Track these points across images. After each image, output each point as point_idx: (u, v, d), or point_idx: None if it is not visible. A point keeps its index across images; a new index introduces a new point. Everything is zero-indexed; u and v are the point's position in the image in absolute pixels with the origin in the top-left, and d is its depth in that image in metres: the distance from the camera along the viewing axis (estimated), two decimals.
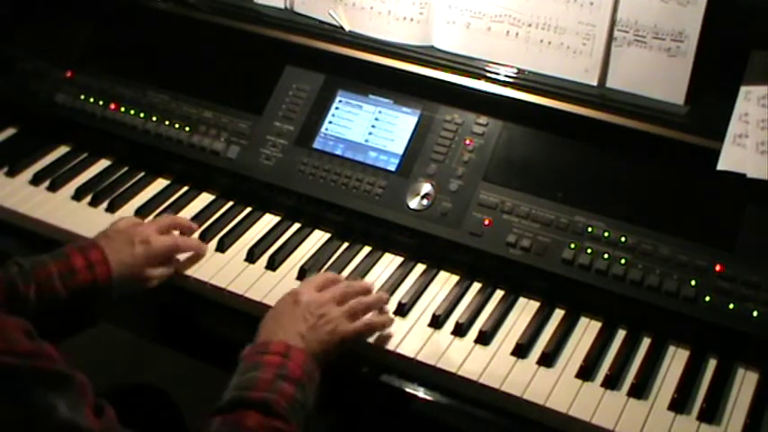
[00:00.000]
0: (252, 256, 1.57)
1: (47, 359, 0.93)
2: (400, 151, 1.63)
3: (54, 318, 1.36)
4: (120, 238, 1.46)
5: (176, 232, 1.58)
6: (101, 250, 1.42)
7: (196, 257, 1.56)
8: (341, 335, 1.34)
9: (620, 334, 1.44)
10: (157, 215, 1.66)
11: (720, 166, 1.44)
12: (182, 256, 1.55)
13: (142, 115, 1.79)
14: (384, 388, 1.40)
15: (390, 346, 1.40)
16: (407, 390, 1.37)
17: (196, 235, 1.61)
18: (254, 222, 1.66)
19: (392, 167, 1.62)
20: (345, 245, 1.61)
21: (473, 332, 1.43)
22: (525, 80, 1.59)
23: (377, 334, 1.41)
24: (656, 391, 1.34)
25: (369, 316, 1.41)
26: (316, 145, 1.67)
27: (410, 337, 1.42)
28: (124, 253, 1.44)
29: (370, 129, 1.66)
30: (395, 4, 1.69)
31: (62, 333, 1.38)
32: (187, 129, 1.75)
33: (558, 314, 1.48)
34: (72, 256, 1.40)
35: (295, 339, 1.30)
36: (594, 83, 1.57)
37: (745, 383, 1.36)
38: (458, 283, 1.53)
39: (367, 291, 1.45)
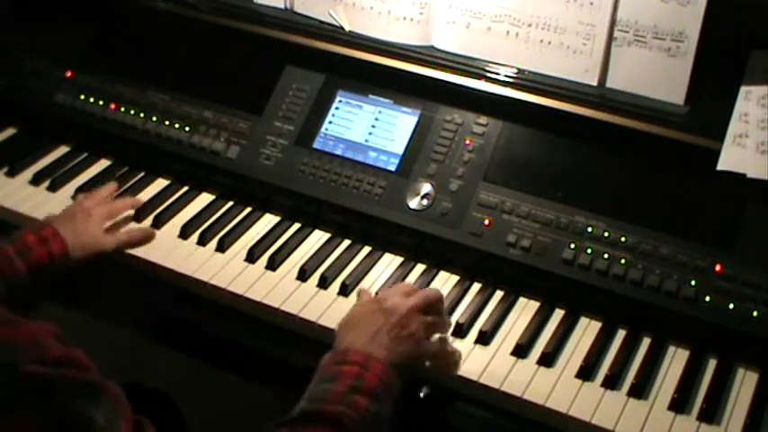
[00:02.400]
0: (252, 256, 1.57)
1: (78, 368, 0.92)
2: (400, 151, 1.63)
3: (21, 293, 1.41)
4: (63, 215, 1.56)
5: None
6: (51, 227, 1.49)
7: (195, 257, 1.57)
8: (423, 350, 1.32)
9: (620, 334, 1.44)
10: (158, 215, 1.66)
11: (720, 166, 1.44)
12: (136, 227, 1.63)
13: (142, 115, 1.79)
14: None
15: None
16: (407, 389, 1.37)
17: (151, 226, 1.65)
18: (254, 222, 1.66)
19: (392, 167, 1.62)
20: (345, 245, 1.61)
21: (473, 332, 1.43)
22: (525, 80, 1.59)
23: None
24: (656, 391, 1.34)
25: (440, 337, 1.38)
26: (316, 145, 1.67)
27: None
28: (71, 224, 1.52)
29: (370, 129, 1.66)
30: (395, 4, 1.69)
31: (30, 305, 1.43)
32: (187, 129, 1.75)
33: (558, 314, 1.48)
34: (24, 235, 1.46)
35: (377, 349, 1.26)
36: (594, 83, 1.57)
37: (745, 383, 1.36)
38: (458, 283, 1.53)
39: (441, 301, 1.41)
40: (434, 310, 1.37)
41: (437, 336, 1.37)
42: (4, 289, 1.38)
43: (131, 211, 1.66)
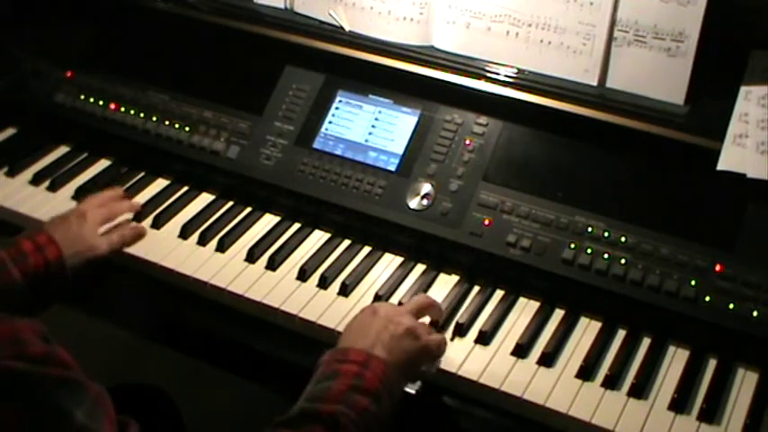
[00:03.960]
0: (252, 256, 1.57)
1: (60, 366, 0.92)
2: (400, 151, 1.63)
3: (16, 302, 1.39)
4: (58, 219, 1.54)
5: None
6: (45, 233, 1.47)
7: (195, 257, 1.57)
8: (424, 344, 1.31)
9: (620, 334, 1.44)
10: (158, 215, 1.66)
11: (720, 166, 1.44)
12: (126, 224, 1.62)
13: (142, 115, 1.79)
14: None
15: None
16: (407, 389, 1.37)
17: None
18: (254, 222, 1.66)
19: (392, 167, 1.62)
20: (345, 245, 1.61)
21: (473, 332, 1.43)
22: (525, 80, 1.59)
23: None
24: (656, 391, 1.34)
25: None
26: (316, 145, 1.67)
27: None
28: (64, 228, 1.50)
29: (370, 129, 1.66)
30: (395, 4, 1.69)
31: (27, 315, 1.39)
32: (187, 129, 1.75)
33: (558, 314, 1.48)
34: (20, 242, 1.45)
35: (378, 349, 1.26)
36: (594, 83, 1.57)
37: (745, 383, 1.36)
38: (458, 284, 1.53)
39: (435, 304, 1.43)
40: (426, 310, 1.40)
41: (435, 335, 1.37)
42: None
43: (129, 215, 1.65)
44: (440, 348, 1.36)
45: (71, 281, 1.48)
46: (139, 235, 1.60)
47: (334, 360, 1.24)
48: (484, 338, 1.42)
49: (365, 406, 1.17)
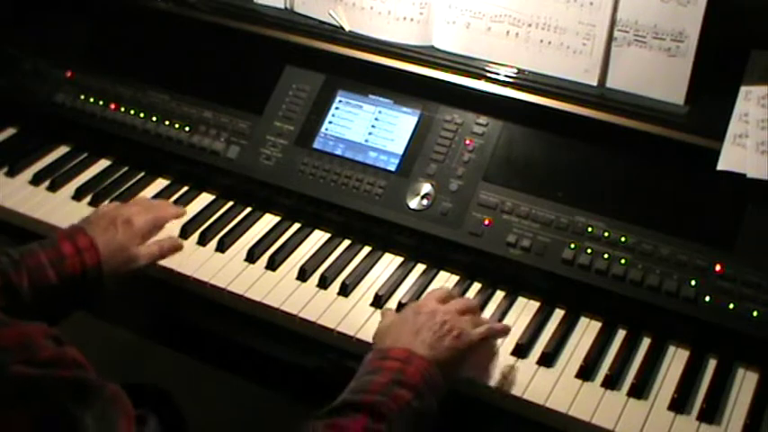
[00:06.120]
0: (252, 256, 1.57)
1: (71, 366, 0.92)
2: (400, 151, 1.63)
3: (49, 303, 1.38)
4: (104, 222, 1.50)
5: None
6: (88, 236, 1.45)
7: (195, 257, 1.57)
8: (467, 341, 1.31)
9: (620, 334, 1.44)
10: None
11: (720, 166, 1.44)
12: (166, 237, 1.59)
13: (142, 115, 1.79)
14: None
15: None
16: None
17: (176, 231, 1.62)
18: (254, 222, 1.66)
19: (392, 167, 1.62)
20: (345, 245, 1.61)
21: None
22: (525, 80, 1.59)
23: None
24: (656, 391, 1.34)
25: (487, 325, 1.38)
26: (316, 145, 1.67)
27: None
28: (109, 235, 1.48)
29: (370, 129, 1.66)
30: (395, 4, 1.69)
31: (58, 316, 1.41)
32: (187, 129, 1.75)
33: (558, 314, 1.48)
34: (61, 243, 1.43)
35: (420, 348, 1.26)
36: (594, 83, 1.57)
37: (745, 383, 1.36)
38: (458, 283, 1.53)
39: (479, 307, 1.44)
40: (472, 310, 1.40)
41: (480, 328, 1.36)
42: (28, 293, 1.35)
43: (174, 222, 1.62)
44: (485, 340, 1.35)
45: (106, 287, 1.45)
46: (177, 248, 1.57)
47: (377, 358, 1.26)
48: None
49: (407, 400, 1.18)
